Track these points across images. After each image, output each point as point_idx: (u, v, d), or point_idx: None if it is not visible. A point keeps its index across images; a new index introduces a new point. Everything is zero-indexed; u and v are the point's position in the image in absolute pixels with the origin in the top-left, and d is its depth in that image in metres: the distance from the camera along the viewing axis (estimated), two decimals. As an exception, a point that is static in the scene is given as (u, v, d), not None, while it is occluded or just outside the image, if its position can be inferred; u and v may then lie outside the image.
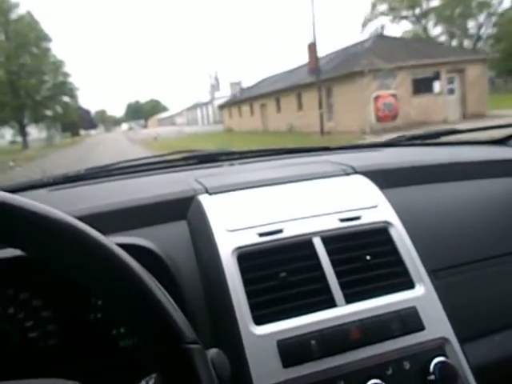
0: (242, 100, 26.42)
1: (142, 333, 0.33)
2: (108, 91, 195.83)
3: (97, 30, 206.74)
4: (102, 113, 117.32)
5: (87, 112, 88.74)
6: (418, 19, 29.96)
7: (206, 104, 45.81)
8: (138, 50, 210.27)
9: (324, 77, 14.63)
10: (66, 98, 32.06)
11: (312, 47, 16.88)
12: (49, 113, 30.66)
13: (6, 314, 0.65)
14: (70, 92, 32.03)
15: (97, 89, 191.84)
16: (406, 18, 30.30)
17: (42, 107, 29.86)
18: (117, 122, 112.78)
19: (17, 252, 0.59)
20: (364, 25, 30.54)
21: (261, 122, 22.81)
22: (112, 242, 0.33)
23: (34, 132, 33.47)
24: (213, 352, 0.37)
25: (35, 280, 0.64)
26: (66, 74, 31.77)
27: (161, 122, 78.87)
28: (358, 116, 13.85)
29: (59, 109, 31.32)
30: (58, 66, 30.65)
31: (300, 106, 18.53)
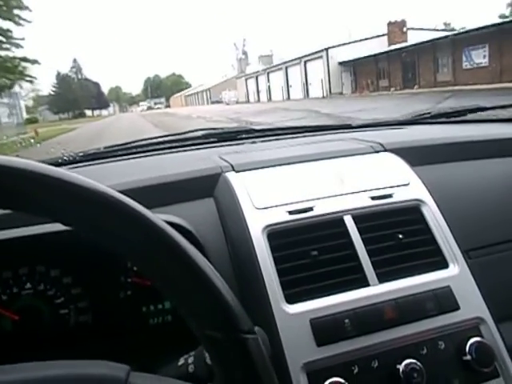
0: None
1: (198, 318, 0.33)
2: (123, 65, 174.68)
3: None
4: (116, 90, 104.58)
5: (96, 85, 76.83)
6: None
7: (257, 74, 40.95)
8: (156, 19, 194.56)
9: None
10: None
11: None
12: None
13: (37, 291, 0.66)
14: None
15: (110, 62, 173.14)
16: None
17: None
18: (133, 101, 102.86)
19: (47, 228, 0.59)
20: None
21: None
22: (163, 221, 0.32)
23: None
24: (257, 330, 0.35)
25: (65, 257, 0.65)
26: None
27: (189, 100, 70.99)
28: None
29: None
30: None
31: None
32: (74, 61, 75.52)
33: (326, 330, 0.54)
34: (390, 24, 26.59)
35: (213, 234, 0.65)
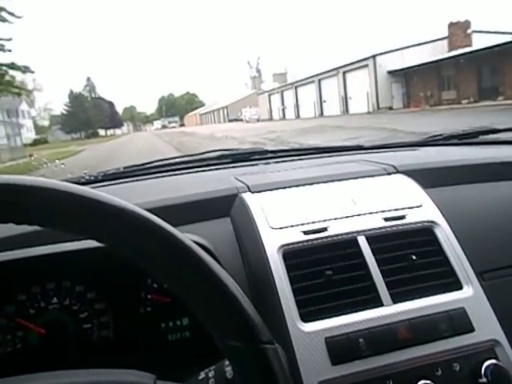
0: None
1: (221, 329, 0.35)
2: (137, 85, 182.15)
3: (126, 13, 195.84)
4: (130, 109, 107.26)
5: (109, 104, 76.52)
6: None
7: (282, 89, 38.89)
8: (170, 38, 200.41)
9: None
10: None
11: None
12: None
13: (63, 305, 0.71)
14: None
15: (125, 82, 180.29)
16: None
17: None
18: (147, 120, 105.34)
19: (74, 246, 0.65)
20: None
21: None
22: (190, 240, 0.35)
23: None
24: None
25: (90, 274, 0.70)
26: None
27: (204, 118, 70.70)
28: None
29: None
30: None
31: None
32: (88, 79, 74.73)
33: (340, 348, 0.57)
34: (451, 25, 22.77)
35: (230, 252, 0.70)
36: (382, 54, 24.25)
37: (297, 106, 36.08)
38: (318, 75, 31.53)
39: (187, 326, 0.72)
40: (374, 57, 24.16)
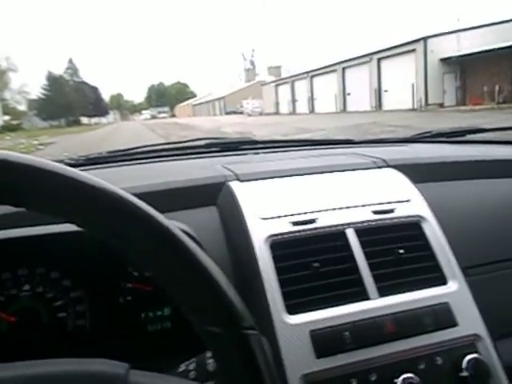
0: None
1: (201, 314, 0.36)
2: (125, 72, 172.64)
3: None
4: (117, 97, 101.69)
5: (93, 89, 71.25)
6: None
7: (293, 79, 34.62)
8: (161, 25, 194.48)
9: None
10: None
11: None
12: None
13: (36, 293, 0.70)
14: None
15: (111, 69, 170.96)
16: None
17: None
18: (135, 109, 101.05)
19: (48, 230, 0.65)
20: None
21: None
22: (172, 224, 0.36)
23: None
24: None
25: (66, 260, 0.70)
26: None
27: (197, 109, 66.33)
28: None
29: None
30: None
31: None
32: (70, 61, 69.14)
33: (325, 341, 0.59)
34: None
35: (215, 241, 0.71)
36: (434, 36, 19.56)
37: (312, 98, 31.55)
38: (341, 63, 27.38)
39: (168, 316, 0.73)
40: (424, 39, 19.53)
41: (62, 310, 0.69)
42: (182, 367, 0.47)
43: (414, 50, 20.63)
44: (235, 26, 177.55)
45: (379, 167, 0.83)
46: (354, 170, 0.82)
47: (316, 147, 1.14)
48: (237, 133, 14.87)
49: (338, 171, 0.81)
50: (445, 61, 19.70)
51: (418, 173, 0.82)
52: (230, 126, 19.46)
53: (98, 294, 0.69)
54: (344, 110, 27.11)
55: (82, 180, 0.31)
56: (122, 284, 0.70)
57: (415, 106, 20.35)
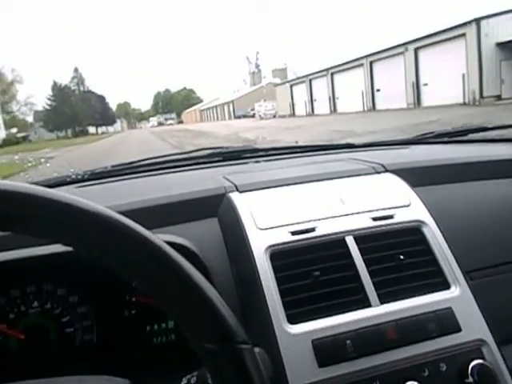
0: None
1: (195, 331, 0.36)
2: (132, 81, 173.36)
3: (120, 2, 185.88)
4: (125, 106, 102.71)
5: (100, 98, 70.22)
6: None
7: (311, 78, 31.06)
8: (166, 33, 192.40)
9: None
10: None
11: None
12: None
13: (44, 309, 0.72)
14: None
15: (118, 78, 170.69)
16: None
17: None
18: (142, 117, 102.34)
19: (55, 249, 0.66)
20: None
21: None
22: (162, 240, 0.36)
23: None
24: (259, 352, 0.39)
25: (72, 276, 0.72)
26: None
27: (204, 115, 66.18)
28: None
29: None
30: None
31: None
32: (76, 70, 67.38)
33: (327, 350, 0.59)
34: None
35: (216, 253, 0.72)
36: (488, 16, 16.36)
37: (333, 97, 28.21)
38: (368, 56, 23.83)
39: (173, 328, 0.74)
40: (477, 21, 16.28)
41: (69, 326, 0.71)
42: (184, 381, 0.46)
43: (463, 35, 17.47)
44: (238, 30, 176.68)
45: (378, 172, 0.83)
46: (352, 176, 0.82)
47: (317, 153, 1.14)
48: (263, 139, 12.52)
49: (337, 178, 0.81)
50: (503, 45, 16.56)
51: (417, 176, 0.82)
52: (247, 131, 16.78)
53: (103, 308, 0.71)
54: (373, 108, 23.86)
55: (63, 201, 0.31)
56: (126, 298, 0.72)
57: (466, 100, 17.27)
